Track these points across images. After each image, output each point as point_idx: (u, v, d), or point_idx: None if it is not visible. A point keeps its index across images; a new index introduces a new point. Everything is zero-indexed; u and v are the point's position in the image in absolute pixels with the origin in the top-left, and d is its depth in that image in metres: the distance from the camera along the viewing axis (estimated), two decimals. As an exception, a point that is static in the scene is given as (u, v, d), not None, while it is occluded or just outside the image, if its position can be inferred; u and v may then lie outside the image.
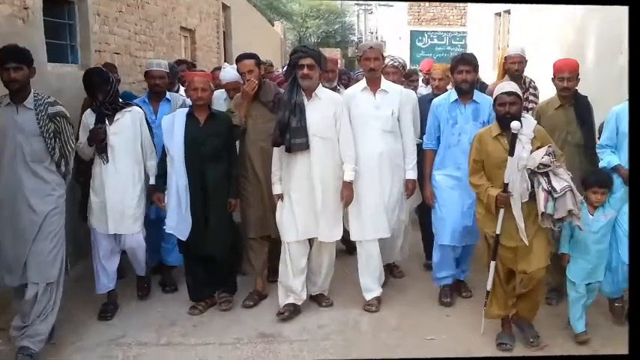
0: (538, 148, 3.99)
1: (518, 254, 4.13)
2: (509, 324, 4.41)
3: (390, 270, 5.66)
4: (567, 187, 3.86)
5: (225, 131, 4.83)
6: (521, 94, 4.23)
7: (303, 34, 44.70)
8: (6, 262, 4.09)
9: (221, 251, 4.83)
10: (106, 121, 4.66)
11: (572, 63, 4.93)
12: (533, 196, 3.98)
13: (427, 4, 26.32)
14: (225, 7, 14.62)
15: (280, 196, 4.84)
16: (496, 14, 13.21)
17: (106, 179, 4.70)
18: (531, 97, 5.82)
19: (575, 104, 4.92)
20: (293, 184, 4.76)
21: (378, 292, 5.03)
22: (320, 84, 4.93)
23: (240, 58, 5.20)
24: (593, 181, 4.24)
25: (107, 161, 4.68)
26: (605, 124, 4.55)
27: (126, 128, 4.73)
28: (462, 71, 4.80)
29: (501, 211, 4.06)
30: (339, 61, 6.58)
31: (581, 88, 5.05)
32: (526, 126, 4.04)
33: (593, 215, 4.26)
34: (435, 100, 5.16)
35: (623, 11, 7.24)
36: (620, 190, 4.32)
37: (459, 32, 22.95)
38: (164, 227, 4.91)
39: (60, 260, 4.22)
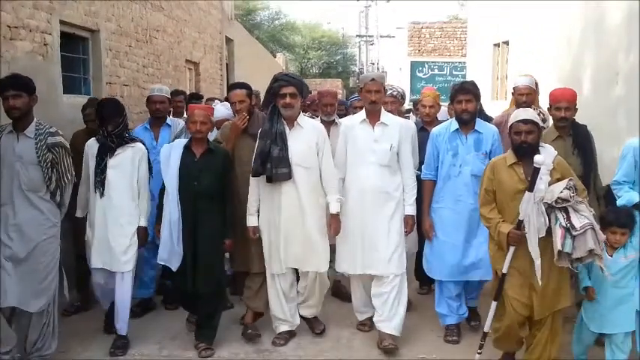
0: (558, 180, 3.77)
1: (536, 298, 3.86)
2: (510, 357, 4.26)
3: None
4: (588, 224, 3.58)
5: (221, 167, 4.64)
6: (539, 122, 3.97)
7: (304, 65, 45.21)
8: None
9: (209, 288, 4.64)
10: (107, 154, 4.55)
11: (569, 92, 4.77)
12: (550, 231, 3.72)
13: (428, 35, 26.75)
14: (228, 41, 14.85)
15: (254, 229, 4.69)
16: (494, 45, 13.08)
17: (100, 212, 4.57)
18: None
19: (573, 134, 4.77)
20: (277, 215, 4.60)
21: (370, 313, 4.89)
22: (301, 112, 4.82)
23: (231, 88, 5.11)
24: (612, 219, 3.83)
25: (102, 195, 4.53)
26: (621, 159, 4.14)
27: (125, 163, 4.59)
28: (462, 101, 4.64)
29: (511, 249, 3.83)
30: (339, 93, 6.49)
31: (578, 118, 4.96)
32: (545, 156, 3.80)
33: (612, 256, 3.86)
34: (435, 130, 4.98)
35: (619, 40, 7.50)
36: None
37: (459, 62, 22.90)
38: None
39: (53, 288, 4.23)
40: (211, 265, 4.62)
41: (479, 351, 4.14)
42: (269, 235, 4.67)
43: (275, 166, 4.42)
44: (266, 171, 4.44)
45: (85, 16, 6.95)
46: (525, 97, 5.43)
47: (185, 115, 5.72)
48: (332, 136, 5.22)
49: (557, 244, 3.59)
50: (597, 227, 3.63)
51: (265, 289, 4.87)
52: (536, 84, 5.89)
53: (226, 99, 5.41)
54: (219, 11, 13.82)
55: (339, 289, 5.93)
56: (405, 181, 4.76)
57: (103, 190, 4.52)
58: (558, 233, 3.60)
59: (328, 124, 5.59)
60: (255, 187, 4.66)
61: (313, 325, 4.99)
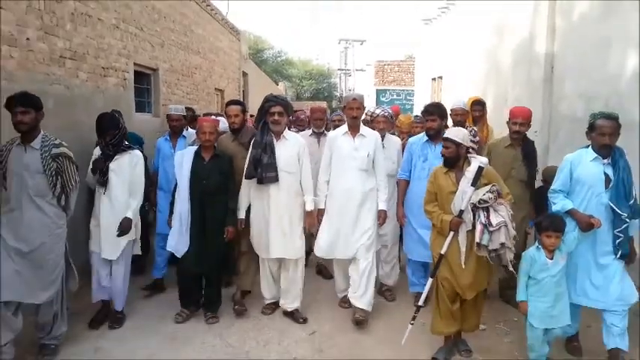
0: (485, 185, 3.50)
1: (460, 279, 3.59)
2: (450, 340, 3.86)
3: (382, 292, 4.99)
4: (502, 222, 3.38)
5: (226, 169, 4.35)
6: (456, 140, 3.61)
7: (299, 91, 45.06)
8: (7, 279, 3.50)
9: (213, 270, 4.40)
10: (107, 160, 4.16)
11: (525, 111, 4.49)
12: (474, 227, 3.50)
13: (389, 70, 26.97)
14: (244, 74, 15.00)
15: (241, 221, 4.40)
16: (432, 79, 13.12)
17: (102, 208, 4.16)
18: (470, 144, 4.74)
19: (523, 146, 4.50)
20: (265, 211, 4.31)
21: (346, 293, 4.54)
22: (287, 127, 4.52)
23: (228, 104, 4.73)
24: (547, 225, 3.44)
25: (104, 192, 4.14)
26: (559, 171, 3.75)
27: (122, 167, 4.17)
28: (429, 120, 4.49)
29: (451, 234, 3.56)
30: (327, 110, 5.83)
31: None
32: (473, 164, 3.54)
33: (552, 259, 3.44)
34: (410, 140, 4.77)
35: (510, 77, 7.96)
36: (573, 232, 3.53)
37: (411, 90, 22.37)
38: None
39: (59, 282, 3.74)
40: (216, 249, 4.31)
41: (411, 322, 3.77)
42: (258, 226, 4.38)
43: (265, 171, 4.18)
44: (257, 174, 4.19)
45: (149, 59, 7.42)
46: (459, 116, 5.20)
47: None
48: (321, 146, 5.08)
49: (477, 238, 3.41)
50: (510, 225, 3.42)
51: (252, 271, 4.65)
52: (484, 103, 5.64)
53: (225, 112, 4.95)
54: (238, 53, 14.00)
55: (320, 270, 5.63)
56: (379, 182, 4.43)
57: (106, 188, 4.14)
58: (478, 228, 3.42)
59: (318, 135, 5.42)
60: (247, 187, 4.38)
61: (295, 317, 4.49)
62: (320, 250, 4.48)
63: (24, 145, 3.59)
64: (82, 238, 4.36)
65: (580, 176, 3.59)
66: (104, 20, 5.95)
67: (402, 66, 26.34)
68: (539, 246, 3.47)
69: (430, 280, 3.73)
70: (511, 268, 3.50)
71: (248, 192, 4.40)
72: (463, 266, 3.54)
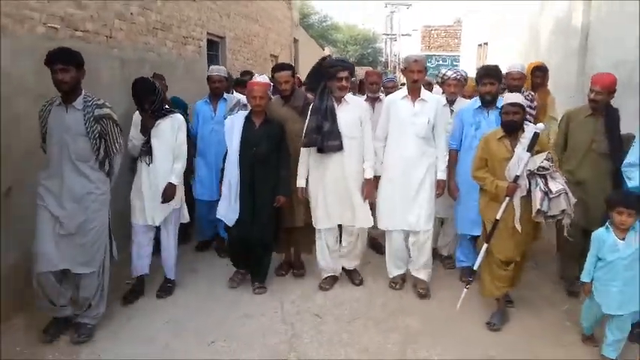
0: (538, 152, 3.41)
1: (510, 242, 3.55)
2: (502, 304, 3.78)
3: (441, 260, 4.81)
4: (562, 189, 3.30)
5: (278, 135, 4.10)
6: (524, 105, 3.52)
7: (344, 56, 45.31)
8: (49, 249, 3.26)
9: (262, 238, 4.14)
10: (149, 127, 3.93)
11: (605, 79, 3.92)
12: (528, 194, 3.41)
13: (436, 35, 27.11)
14: (295, 40, 15.62)
15: (302, 190, 4.16)
16: (478, 45, 13.29)
17: (145, 177, 3.94)
18: (527, 109, 4.15)
19: (606, 115, 3.96)
20: (327, 180, 4.07)
21: (401, 271, 4.35)
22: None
23: (277, 69, 4.38)
24: (618, 200, 3.06)
25: (149, 163, 3.93)
26: (636, 142, 3.37)
27: (165, 133, 3.95)
28: (487, 84, 4.11)
29: (506, 199, 3.45)
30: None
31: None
32: (527, 131, 3.46)
33: (624, 239, 3.05)
34: (462, 107, 4.47)
35: (576, 40, 8.33)
36: None
37: (457, 56, 22.23)
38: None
39: (102, 251, 3.47)
40: (267, 217, 4.10)
41: (467, 286, 3.69)
42: (317, 196, 4.14)
43: (327, 139, 3.92)
44: (318, 143, 3.93)
45: (218, 28, 8.30)
46: (517, 81, 4.76)
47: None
48: (376, 111, 4.79)
49: (537, 204, 3.32)
50: (569, 192, 3.34)
51: (312, 240, 4.39)
52: (546, 69, 5.27)
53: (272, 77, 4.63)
54: (290, 20, 14.66)
55: (374, 244, 5.23)
56: (439, 151, 4.15)
57: (151, 157, 3.93)
58: (538, 196, 3.32)
59: (373, 100, 5.06)
60: (306, 155, 4.12)
61: (352, 277, 4.41)
62: (382, 221, 4.25)
63: (65, 106, 3.31)
64: (121, 208, 4.10)
65: None
66: (184, -5, 6.83)
67: (449, 31, 26.42)
68: (609, 225, 3.13)
69: (485, 245, 3.59)
70: (566, 234, 3.48)
71: (307, 160, 4.14)
72: (520, 230, 3.45)
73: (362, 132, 4.10)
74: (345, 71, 3.97)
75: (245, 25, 9.98)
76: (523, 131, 3.52)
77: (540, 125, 3.49)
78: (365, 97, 5.14)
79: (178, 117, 4.07)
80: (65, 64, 3.20)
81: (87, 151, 3.34)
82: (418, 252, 4.19)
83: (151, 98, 3.88)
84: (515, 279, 3.74)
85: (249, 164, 4.05)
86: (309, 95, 4.37)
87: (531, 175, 3.39)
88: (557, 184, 3.33)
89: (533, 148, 3.40)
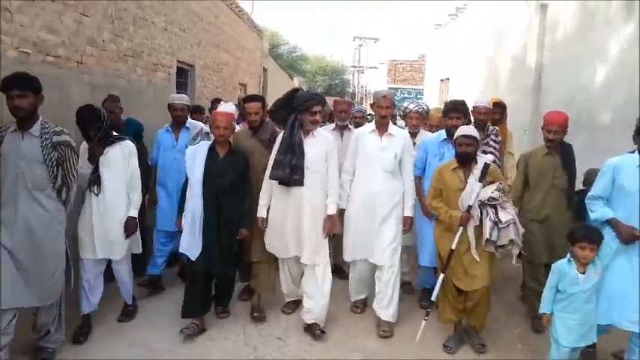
0: (490, 183, 3.49)
1: (466, 274, 3.60)
2: (459, 330, 3.85)
3: (401, 284, 4.45)
4: (511, 219, 3.37)
5: (243, 167, 3.97)
6: (477, 137, 3.58)
7: (312, 87, 45.75)
8: (6, 284, 3.06)
9: (226, 273, 4.02)
10: (97, 155, 3.68)
11: (560, 118, 4.04)
12: (481, 223, 3.47)
13: (401, 69, 27.82)
14: (264, 70, 15.93)
15: (262, 220, 4.01)
16: (440, 80, 13.82)
17: (95, 209, 3.67)
18: (491, 142, 4.72)
19: (561, 152, 4.09)
20: (285, 212, 3.94)
21: (363, 295, 4.40)
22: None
23: (247, 100, 4.30)
24: (581, 235, 3.03)
25: (97, 193, 3.67)
26: (600, 175, 3.37)
27: (115, 161, 3.73)
28: (453, 117, 4.18)
29: (460, 229, 3.51)
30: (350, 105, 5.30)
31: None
32: (479, 162, 3.54)
33: (584, 274, 3.05)
34: (426, 138, 4.56)
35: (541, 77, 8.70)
36: (611, 245, 3.18)
37: (422, 89, 22.91)
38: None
39: (61, 283, 3.33)
40: (232, 251, 3.96)
41: (425, 317, 3.72)
42: (277, 227, 4.00)
43: (292, 174, 3.82)
44: (284, 177, 3.83)
45: (188, 57, 8.44)
46: (482, 115, 4.75)
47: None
48: (345, 139, 4.82)
49: (486, 234, 3.39)
50: (518, 223, 3.42)
51: (272, 275, 4.27)
52: (504, 106, 5.42)
53: (242, 107, 4.56)
54: (260, 50, 14.94)
55: (336, 269, 4.99)
56: (406, 186, 4.12)
57: (99, 187, 3.67)
58: (488, 225, 3.39)
59: (342, 128, 5.05)
60: (269, 185, 4.00)
61: (313, 329, 3.98)
62: (347, 253, 4.23)
63: (21, 132, 3.13)
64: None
65: (623, 183, 3.20)
66: (156, 23, 6.99)
67: (414, 65, 26.97)
68: (571, 259, 3.10)
69: (442, 275, 3.65)
70: (514, 262, 3.55)
71: (270, 190, 4.03)
72: (477, 259, 3.52)
73: (326, 166, 3.99)
74: (319, 105, 3.92)
75: (215, 53, 10.14)
76: (476, 163, 3.59)
77: (489, 156, 3.58)
78: (334, 125, 5.15)
79: (128, 144, 3.86)
80: (22, 90, 3.05)
81: (44, 179, 3.17)
82: (384, 287, 4.10)
83: (96, 125, 3.64)
84: (476, 314, 3.70)
85: (214, 196, 3.86)
86: (277, 128, 4.28)
87: (482, 205, 3.45)
88: (506, 215, 3.40)
89: (484, 178, 3.49)
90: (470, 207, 3.49)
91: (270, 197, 4.04)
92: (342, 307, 4.49)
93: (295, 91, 4.08)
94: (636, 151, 3.26)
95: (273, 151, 3.97)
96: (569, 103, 6.43)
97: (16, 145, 3.11)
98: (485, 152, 4.39)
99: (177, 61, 7.96)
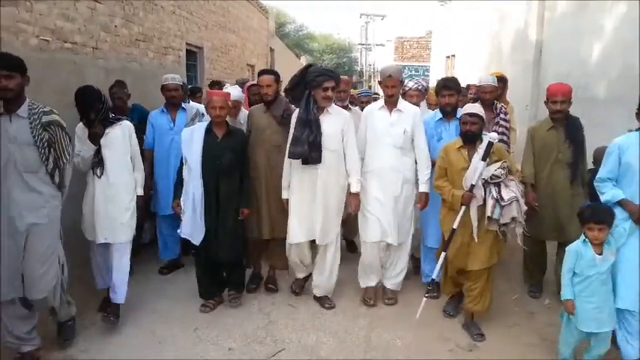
0: (495, 162, 3.46)
1: (467, 255, 3.60)
2: (457, 298, 3.99)
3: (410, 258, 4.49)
4: (514, 197, 3.35)
5: (241, 147, 3.93)
6: (482, 115, 3.56)
7: (320, 65, 45.63)
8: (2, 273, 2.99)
9: (232, 257, 3.96)
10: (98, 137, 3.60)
11: (564, 88, 4.03)
12: (484, 202, 3.44)
13: (408, 46, 27.73)
14: (271, 50, 15.96)
15: (286, 201, 4.01)
16: (446, 57, 13.88)
17: (99, 191, 3.64)
18: (502, 122, 4.59)
19: (566, 125, 4.05)
20: (304, 192, 3.93)
21: (373, 282, 4.24)
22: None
23: (261, 74, 4.30)
24: (588, 216, 3.02)
25: (100, 175, 3.63)
26: (606, 156, 3.30)
27: (116, 141, 3.68)
28: (445, 95, 4.14)
29: (462, 209, 3.50)
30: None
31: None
32: (485, 142, 3.47)
33: (601, 254, 3.00)
34: (424, 116, 4.40)
35: (522, 57, 8.98)
36: (624, 224, 3.10)
37: (429, 66, 23.09)
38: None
39: (54, 271, 3.20)
40: (235, 234, 3.93)
41: (426, 295, 3.85)
42: (295, 208, 3.99)
43: (310, 151, 3.77)
44: (306, 154, 3.78)
45: (197, 39, 8.65)
46: (488, 94, 4.67)
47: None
48: None
49: (488, 212, 3.39)
50: (522, 200, 3.40)
51: (285, 252, 4.19)
52: (505, 80, 5.42)
53: (252, 84, 4.79)
54: (266, 30, 15.04)
55: (349, 243, 5.34)
56: (419, 162, 4.07)
57: (103, 169, 3.64)
58: (490, 203, 3.38)
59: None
60: (289, 166, 3.97)
61: (322, 302, 4.18)
62: (368, 234, 4.12)
63: (8, 115, 3.02)
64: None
65: (630, 162, 3.16)
66: (165, 7, 7.21)
67: (421, 42, 26.86)
68: (586, 239, 3.05)
69: (443, 254, 3.67)
70: (520, 242, 3.58)
71: (290, 170, 3.99)
72: (476, 240, 3.51)
73: (343, 144, 3.95)
74: (332, 81, 3.84)
75: (222, 35, 10.33)
76: (481, 142, 3.55)
77: (494, 135, 3.53)
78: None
79: (127, 123, 3.83)
80: (9, 70, 2.95)
81: (35, 162, 3.05)
82: (392, 264, 4.18)
83: (97, 107, 3.58)
84: (478, 299, 3.67)
85: (214, 178, 3.82)
86: (291, 106, 4.19)
87: (486, 183, 3.43)
88: (509, 192, 3.38)
89: (487, 156, 3.45)
90: (472, 186, 3.48)
91: (290, 177, 3.99)
92: (351, 276, 4.47)
93: (309, 66, 4.02)
94: None
95: (290, 129, 3.92)
96: (566, 78, 6.57)
97: (4, 129, 3.00)
98: (497, 132, 4.24)
99: (187, 43, 8.18)
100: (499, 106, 4.67)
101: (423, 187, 4.07)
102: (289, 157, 3.90)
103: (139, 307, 4.12)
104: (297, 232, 4.00)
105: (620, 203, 3.17)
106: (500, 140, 4.19)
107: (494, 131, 4.22)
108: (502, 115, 4.63)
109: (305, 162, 3.82)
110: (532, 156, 4.20)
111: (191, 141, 3.87)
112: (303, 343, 3.64)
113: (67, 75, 4.74)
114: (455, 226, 3.56)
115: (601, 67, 6.07)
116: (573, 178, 4.02)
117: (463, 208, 3.52)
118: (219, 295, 4.17)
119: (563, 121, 4.05)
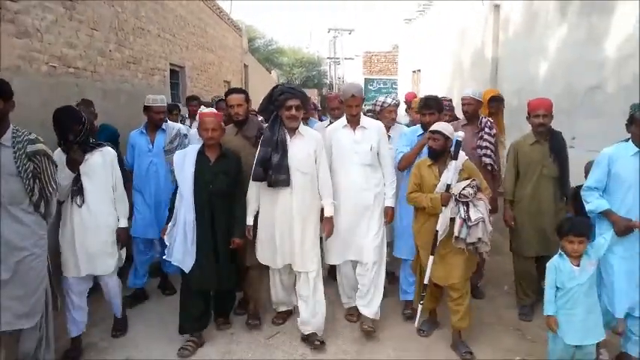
0: (465, 179, 3.49)
1: (444, 268, 3.62)
2: (434, 315, 4.04)
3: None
4: (481, 218, 3.37)
5: (235, 170, 3.74)
6: (445, 133, 3.53)
7: (290, 79, 45.82)
8: None
9: (229, 285, 3.88)
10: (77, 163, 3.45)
11: (546, 102, 4.04)
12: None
13: (376, 60, 28.40)
14: (245, 66, 16.68)
15: (250, 229, 3.82)
16: (412, 71, 14.57)
17: (77, 221, 3.48)
18: (485, 136, 4.47)
19: (550, 139, 4.06)
20: (274, 217, 3.77)
21: (355, 302, 4.09)
22: (301, 123, 3.86)
23: (230, 92, 4.11)
24: (567, 229, 3.02)
25: (80, 204, 3.47)
26: (594, 166, 3.35)
27: (97, 168, 3.52)
28: (426, 114, 4.06)
29: (444, 210, 3.48)
30: (314, 99, 4.82)
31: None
32: (453, 140, 3.48)
33: (578, 266, 3.01)
34: (405, 130, 4.43)
35: (481, 75, 9.82)
36: (606, 235, 3.12)
37: (396, 79, 22.77)
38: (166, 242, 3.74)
39: (42, 303, 3.06)
40: (232, 261, 3.81)
41: (421, 302, 3.80)
42: (267, 233, 3.83)
43: (275, 173, 3.63)
44: (267, 177, 3.65)
45: (179, 59, 9.18)
46: (466, 106, 4.60)
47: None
48: None
49: (455, 231, 3.41)
50: (487, 221, 3.43)
51: (266, 282, 4.12)
52: (501, 100, 5.54)
53: (221, 101, 4.67)
54: (240, 47, 15.63)
55: (330, 271, 4.95)
56: (386, 177, 4.02)
57: (82, 198, 3.48)
58: (457, 222, 3.40)
59: None
60: (255, 189, 3.82)
61: (311, 339, 3.85)
62: (330, 257, 4.08)
63: None
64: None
65: (619, 173, 3.20)
66: (151, 31, 7.75)
67: (388, 56, 27.13)
68: (562, 253, 3.08)
69: (431, 257, 3.63)
70: (485, 257, 3.70)
71: (257, 194, 3.84)
72: (444, 236, 3.53)
73: (315, 167, 3.79)
74: (295, 99, 3.69)
75: (201, 54, 10.89)
76: (451, 159, 3.54)
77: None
78: (328, 122, 4.91)
79: (109, 150, 3.64)
80: None
81: (20, 193, 2.87)
82: (368, 284, 3.96)
83: (76, 128, 3.40)
84: (458, 315, 3.66)
85: (206, 204, 3.65)
86: (264, 126, 4.03)
87: (455, 201, 3.44)
88: (476, 212, 3.39)
89: (457, 154, 3.49)
90: (449, 186, 3.51)
91: (258, 203, 3.85)
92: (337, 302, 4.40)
93: (276, 87, 3.91)
94: (630, 140, 3.26)
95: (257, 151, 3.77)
96: (519, 94, 7.39)
97: None
98: (480, 147, 4.40)
99: (170, 63, 8.71)
100: (484, 120, 4.61)
101: (389, 202, 4.02)
102: (252, 180, 3.77)
103: (111, 354, 3.76)
104: (272, 258, 3.88)
105: (605, 214, 3.23)
106: (484, 155, 4.37)
107: (478, 146, 4.37)
108: (487, 130, 4.55)
109: (269, 185, 3.70)
110: (514, 171, 4.22)
111: (182, 165, 3.69)
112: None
113: (72, 96, 5.22)
114: (438, 228, 3.54)
115: (546, 85, 6.82)
116: (558, 193, 4.06)
117: (444, 209, 3.52)
118: (199, 335, 3.85)
119: (546, 135, 4.07)
